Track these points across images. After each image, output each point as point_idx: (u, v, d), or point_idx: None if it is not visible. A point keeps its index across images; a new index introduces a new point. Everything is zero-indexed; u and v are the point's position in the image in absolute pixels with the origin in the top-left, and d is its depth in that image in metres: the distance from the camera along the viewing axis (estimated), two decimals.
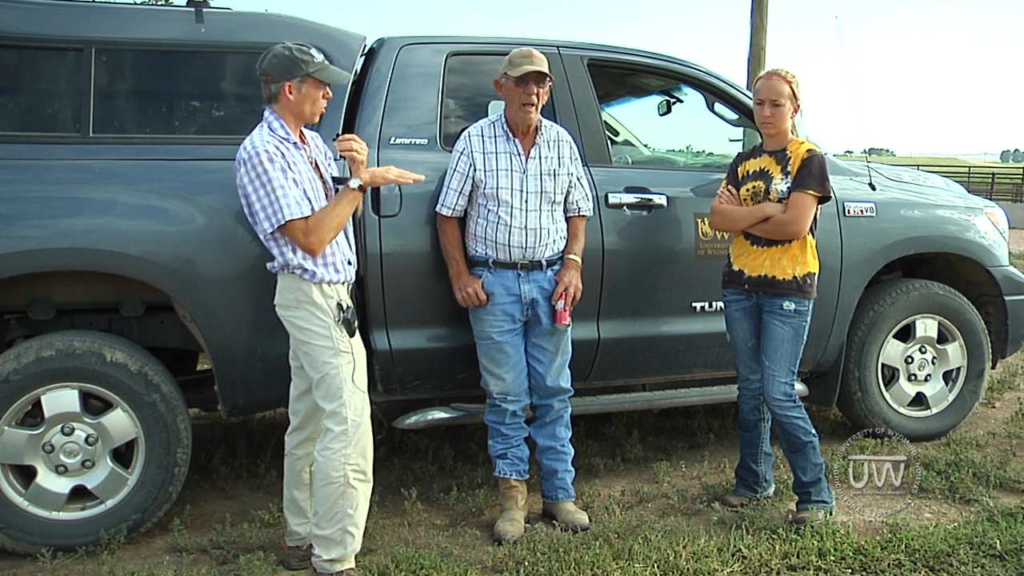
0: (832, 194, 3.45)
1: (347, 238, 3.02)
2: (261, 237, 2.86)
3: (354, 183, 2.90)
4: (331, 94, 2.98)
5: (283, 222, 2.74)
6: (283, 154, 2.80)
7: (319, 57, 2.88)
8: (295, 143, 2.88)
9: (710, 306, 3.89)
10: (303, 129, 2.99)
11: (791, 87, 3.35)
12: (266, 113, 2.89)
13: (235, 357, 3.34)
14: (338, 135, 3.27)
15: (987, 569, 3.03)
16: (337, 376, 2.85)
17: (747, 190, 3.46)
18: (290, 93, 2.84)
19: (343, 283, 2.94)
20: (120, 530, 3.21)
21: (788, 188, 3.35)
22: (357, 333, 2.94)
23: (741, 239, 3.50)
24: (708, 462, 4.18)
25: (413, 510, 3.58)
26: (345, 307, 2.89)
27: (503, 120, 3.40)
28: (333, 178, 3.03)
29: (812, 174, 3.32)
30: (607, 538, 3.25)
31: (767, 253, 3.40)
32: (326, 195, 2.93)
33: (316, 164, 2.96)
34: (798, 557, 3.09)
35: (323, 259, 2.86)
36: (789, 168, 3.37)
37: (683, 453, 4.39)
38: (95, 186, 3.19)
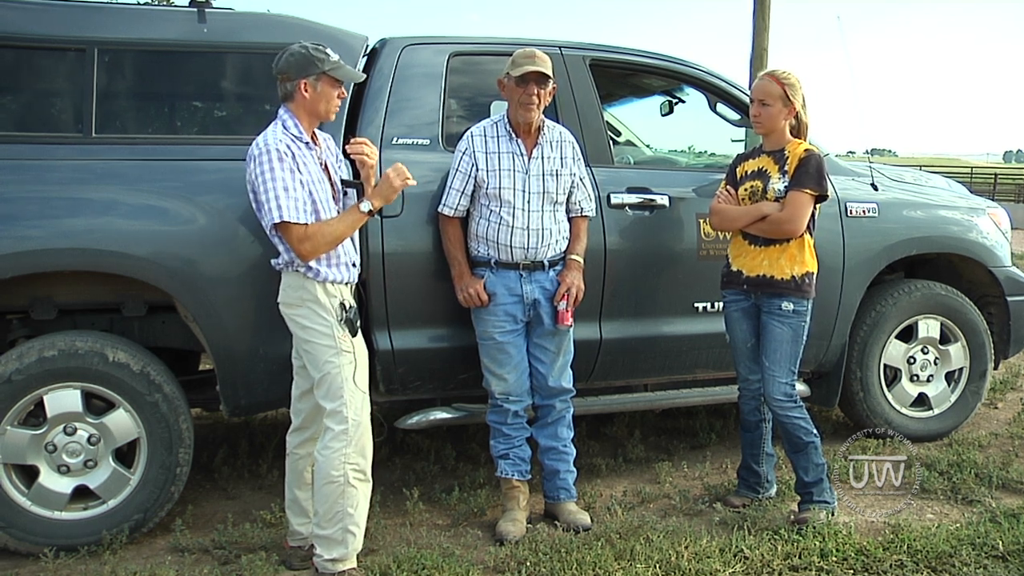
0: (830, 193, 3.45)
1: (352, 241, 3.03)
2: (267, 231, 2.87)
3: (365, 207, 2.91)
4: (346, 93, 2.99)
5: (279, 220, 2.75)
6: (294, 154, 2.81)
7: (335, 56, 2.91)
8: (307, 142, 2.89)
9: (712, 306, 3.89)
10: (316, 130, 3.01)
11: (784, 88, 3.34)
12: (280, 111, 2.90)
13: (237, 357, 3.34)
14: (350, 139, 3.27)
15: (989, 570, 3.02)
16: (338, 375, 2.86)
17: (745, 190, 3.46)
18: (305, 91, 2.86)
19: (346, 283, 2.94)
20: (122, 530, 3.22)
21: (785, 187, 3.35)
22: (360, 333, 2.95)
23: (739, 239, 3.50)
24: (710, 463, 4.18)
25: (415, 510, 3.58)
26: (348, 307, 2.90)
27: (506, 120, 3.40)
28: (342, 180, 3.03)
29: (809, 173, 3.32)
30: (609, 538, 3.25)
31: (765, 253, 3.40)
32: (334, 196, 2.94)
33: (326, 165, 2.97)
34: (800, 558, 3.09)
35: (327, 259, 2.87)
36: (787, 168, 3.37)
37: (685, 453, 4.39)
38: (97, 186, 3.19)
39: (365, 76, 3.15)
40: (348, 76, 2.95)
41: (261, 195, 2.78)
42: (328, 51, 2.90)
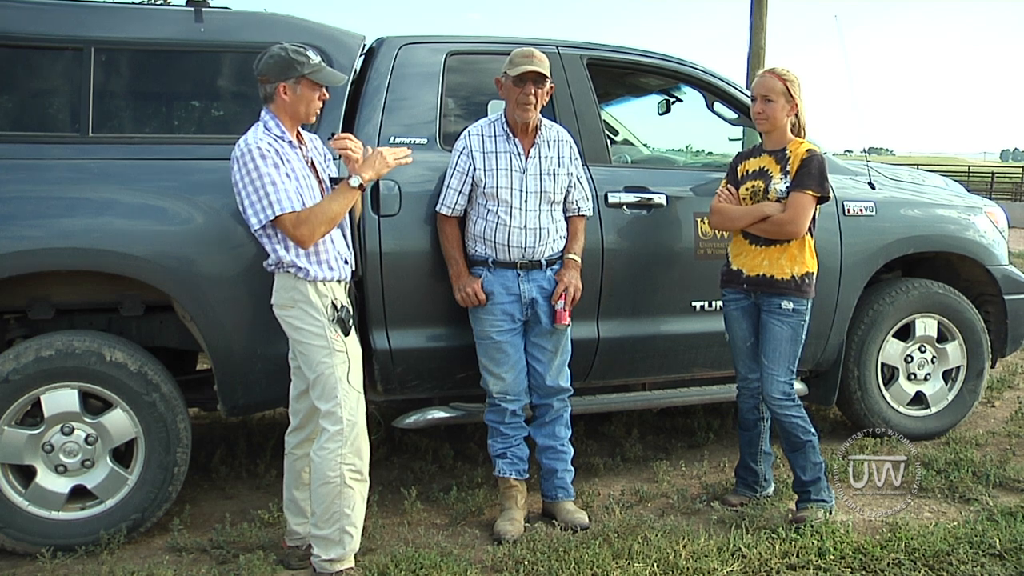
0: (831, 194, 3.45)
1: (344, 237, 3.02)
2: (254, 231, 2.87)
3: (354, 181, 2.89)
4: (327, 95, 2.98)
5: (272, 217, 2.75)
6: (276, 151, 2.81)
7: (316, 59, 2.89)
8: (290, 142, 2.89)
9: (710, 305, 3.89)
10: (302, 131, 3.00)
11: (786, 85, 3.35)
12: (263, 113, 2.90)
13: (235, 357, 3.33)
14: (334, 134, 3.27)
15: (986, 568, 3.03)
16: (332, 376, 2.86)
17: (746, 189, 3.46)
18: (285, 94, 2.85)
19: (338, 281, 2.93)
20: (120, 530, 3.22)
21: (787, 188, 3.35)
22: (353, 333, 2.95)
23: (740, 238, 3.50)
24: (708, 461, 4.18)
25: (413, 509, 3.58)
26: (339, 306, 2.89)
27: (503, 119, 3.40)
28: (331, 179, 3.03)
29: (811, 174, 3.32)
30: (607, 537, 3.25)
31: (765, 252, 3.40)
32: (322, 195, 2.93)
33: (313, 164, 2.97)
34: (798, 556, 3.10)
35: (316, 256, 2.86)
36: (788, 168, 3.37)
37: (683, 452, 4.39)
38: (94, 186, 3.19)
39: (345, 79, 3.14)
40: (328, 80, 2.93)
41: (250, 194, 2.77)
42: (309, 53, 2.88)
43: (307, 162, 2.94)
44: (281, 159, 2.81)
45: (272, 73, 2.85)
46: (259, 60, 2.87)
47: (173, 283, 3.23)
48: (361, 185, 2.91)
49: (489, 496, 3.68)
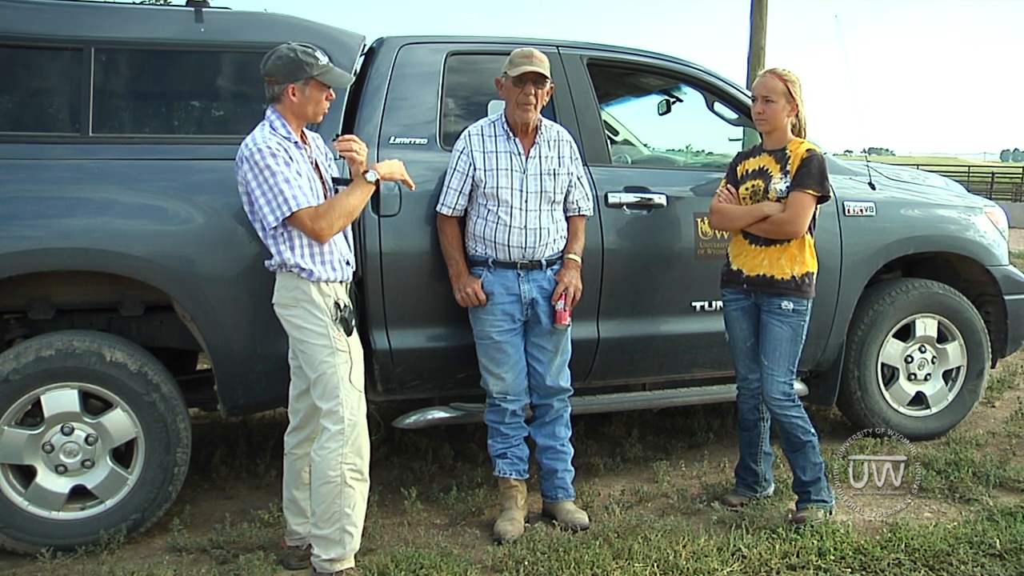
0: (831, 194, 3.45)
1: (346, 239, 3.03)
2: (261, 234, 2.87)
3: (371, 176, 2.91)
4: (334, 96, 2.98)
5: (289, 213, 2.75)
6: (285, 150, 2.81)
7: (324, 59, 2.89)
8: (296, 143, 2.88)
9: (710, 306, 3.89)
10: (304, 129, 3.00)
11: (787, 85, 3.35)
12: (268, 112, 2.90)
13: (235, 357, 3.33)
14: (338, 135, 3.27)
15: (987, 568, 3.03)
16: (334, 375, 2.86)
17: (746, 189, 3.46)
18: (293, 95, 2.85)
19: (341, 282, 2.94)
20: (120, 530, 3.21)
21: (787, 187, 3.35)
22: (355, 332, 2.95)
23: (740, 238, 3.50)
24: (708, 461, 4.18)
25: (413, 509, 3.58)
26: (342, 306, 2.89)
27: (503, 119, 3.40)
28: (333, 179, 3.03)
29: (811, 174, 3.32)
30: (607, 537, 3.25)
31: (766, 252, 3.40)
32: (325, 195, 2.93)
33: (316, 164, 2.97)
34: (798, 556, 3.10)
35: (320, 257, 2.87)
36: (788, 167, 3.37)
37: (683, 452, 4.39)
38: (95, 186, 3.19)
39: (354, 79, 3.15)
40: (336, 81, 2.93)
41: (264, 193, 2.77)
42: (317, 54, 2.88)
43: (311, 163, 2.94)
44: (289, 159, 2.81)
45: (280, 74, 2.84)
46: (267, 60, 2.86)
47: (173, 283, 3.23)
48: (377, 181, 2.93)
49: (489, 496, 3.68)
